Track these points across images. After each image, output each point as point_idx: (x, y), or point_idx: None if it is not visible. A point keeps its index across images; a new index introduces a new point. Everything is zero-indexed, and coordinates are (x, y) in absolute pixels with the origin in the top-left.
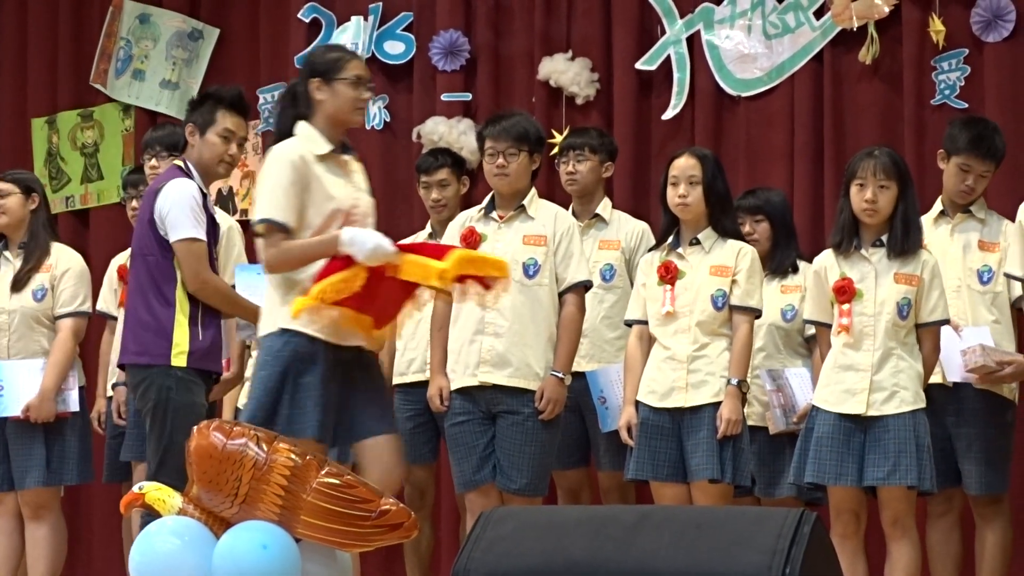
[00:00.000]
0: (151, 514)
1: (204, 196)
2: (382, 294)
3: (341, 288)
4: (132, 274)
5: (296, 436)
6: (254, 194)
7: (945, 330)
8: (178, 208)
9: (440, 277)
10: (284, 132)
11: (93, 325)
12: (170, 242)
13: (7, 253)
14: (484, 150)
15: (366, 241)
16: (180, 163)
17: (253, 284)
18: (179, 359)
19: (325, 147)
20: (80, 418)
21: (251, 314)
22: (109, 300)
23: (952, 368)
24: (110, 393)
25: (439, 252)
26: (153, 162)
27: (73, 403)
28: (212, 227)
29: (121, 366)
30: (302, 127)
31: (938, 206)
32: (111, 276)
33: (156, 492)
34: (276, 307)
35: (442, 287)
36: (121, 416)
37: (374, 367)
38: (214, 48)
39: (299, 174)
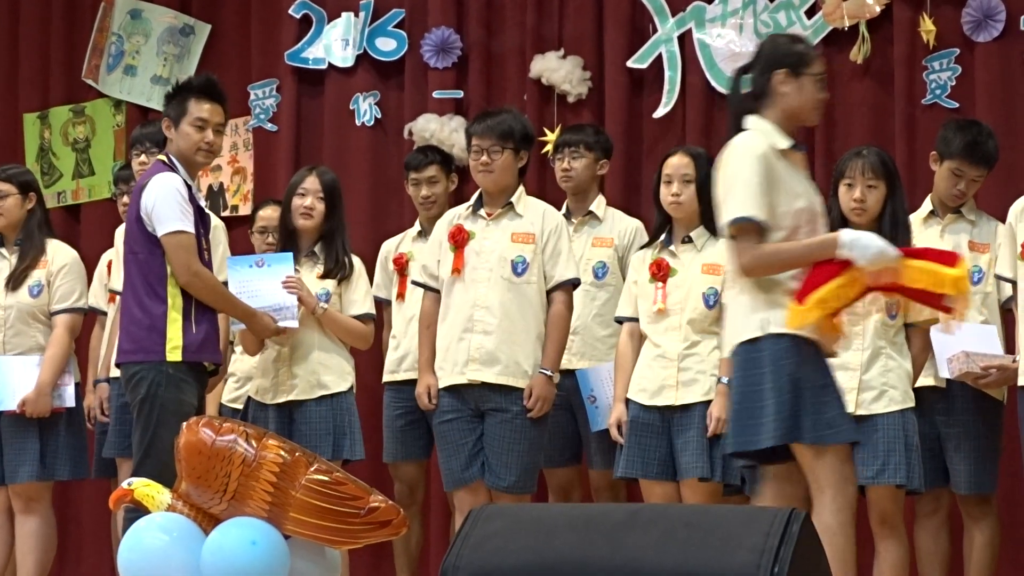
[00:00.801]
0: (134, 511)
1: (189, 188)
2: None
3: (840, 295)
4: (124, 273)
5: (829, 442)
6: (720, 193)
7: (937, 330)
8: (163, 202)
9: (954, 285)
10: (736, 125)
11: (87, 321)
12: (158, 237)
13: (3, 250)
14: (470, 147)
15: (869, 245)
16: (164, 158)
17: (247, 277)
18: (174, 354)
19: (785, 142)
20: (75, 414)
21: (241, 313)
22: (99, 295)
23: (944, 366)
24: None
25: (943, 258)
26: (142, 158)
27: (69, 399)
28: (201, 218)
29: (119, 365)
30: (755, 121)
31: (927, 206)
32: (101, 271)
33: (145, 488)
34: (758, 309)
35: (956, 294)
36: (104, 412)
37: None
38: (205, 44)
39: (768, 170)
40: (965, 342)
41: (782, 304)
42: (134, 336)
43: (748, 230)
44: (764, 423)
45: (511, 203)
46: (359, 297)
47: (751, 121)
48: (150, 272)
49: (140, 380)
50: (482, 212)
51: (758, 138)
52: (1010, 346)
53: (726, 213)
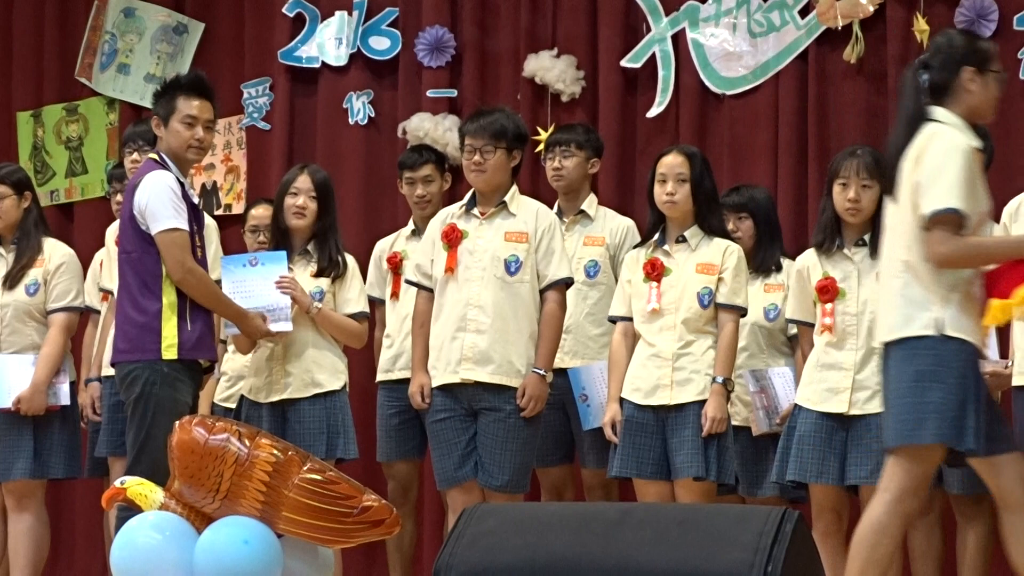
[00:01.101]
0: (127, 510)
1: (182, 185)
2: None
3: None
4: (119, 272)
5: (989, 454)
6: (922, 181)
7: None
8: (157, 199)
9: None
10: (917, 115)
11: (80, 320)
12: (152, 235)
13: (0, 249)
14: (463, 146)
15: None
16: (155, 156)
17: (241, 277)
18: (169, 352)
19: (976, 141)
20: (70, 412)
21: (233, 314)
22: (92, 294)
23: None
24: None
25: None
26: (134, 156)
27: (64, 397)
28: (195, 216)
29: (114, 364)
30: (945, 114)
31: None
32: (94, 270)
33: (138, 487)
34: (930, 306)
35: None
36: (96, 411)
37: None
38: (199, 43)
39: (972, 167)
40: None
41: (957, 304)
42: (129, 335)
43: (949, 222)
44: (927, 419)
45: (504, 202)
46: (353, 296)
47: (942, 114)
48: (144, 270)
49: (135, 379)
50: (475, 211)
51: (959, 133)
52: (1003, 347)
53: (928, 203)
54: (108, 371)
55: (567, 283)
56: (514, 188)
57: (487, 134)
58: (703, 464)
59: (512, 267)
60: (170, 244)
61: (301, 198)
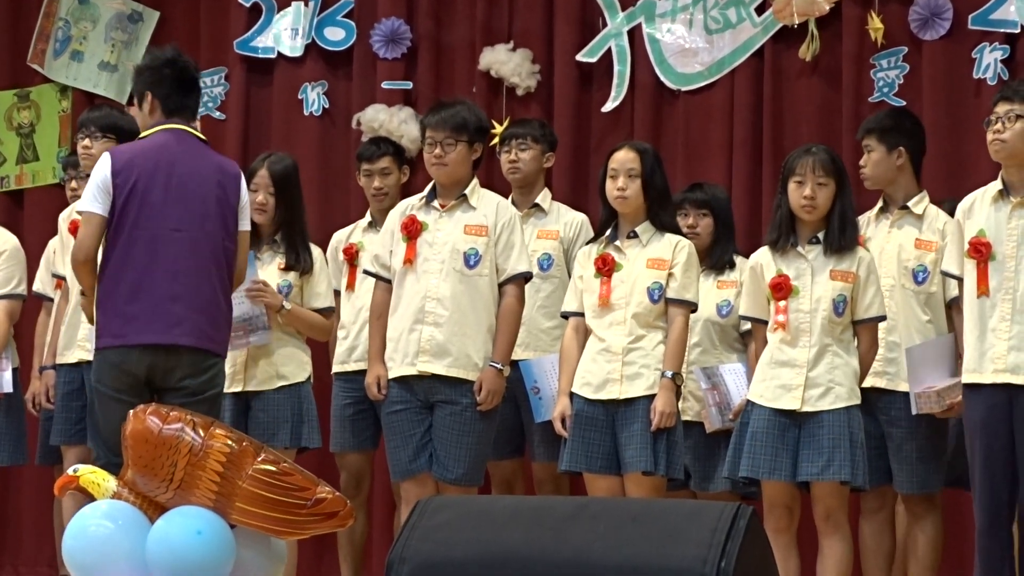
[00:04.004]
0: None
1: None
2: None
3: None
4: (208, 256)
5: None
6: None
7: (912, 360)
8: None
9: None
10: None
11: (29, 306)
12: (239, 231)
13: None
14: (424, 139)
15: None
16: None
17: None
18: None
19: None
20: (14, 399)
21: None
22: (46, 281)
23: (912, 400)
24: None
25: None
26: (87, 142)
27: (6, 384)
28: None
29: (194, 348)
30: None
31: (880, 202)
32: (48, 257)
33: (90, 475)
34: None
35: None
36: (49, 399)
37: None
38: (154, 31)
39: None
40: (929, 361)
41: None
42: (219, 324)
43: None
44: None
45: (465, 195)
46: (322, 290)
47: None
48: (231, 265)
49: (218, 372)
50: (435, 203)
51: None
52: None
53: None
54: (63, 359)
55: (526, 277)
56: (475, 181)
57: (448, 127)
58: (652, 458)
59: (471, 260)
60: (245, 244)
61: (260, 194)
